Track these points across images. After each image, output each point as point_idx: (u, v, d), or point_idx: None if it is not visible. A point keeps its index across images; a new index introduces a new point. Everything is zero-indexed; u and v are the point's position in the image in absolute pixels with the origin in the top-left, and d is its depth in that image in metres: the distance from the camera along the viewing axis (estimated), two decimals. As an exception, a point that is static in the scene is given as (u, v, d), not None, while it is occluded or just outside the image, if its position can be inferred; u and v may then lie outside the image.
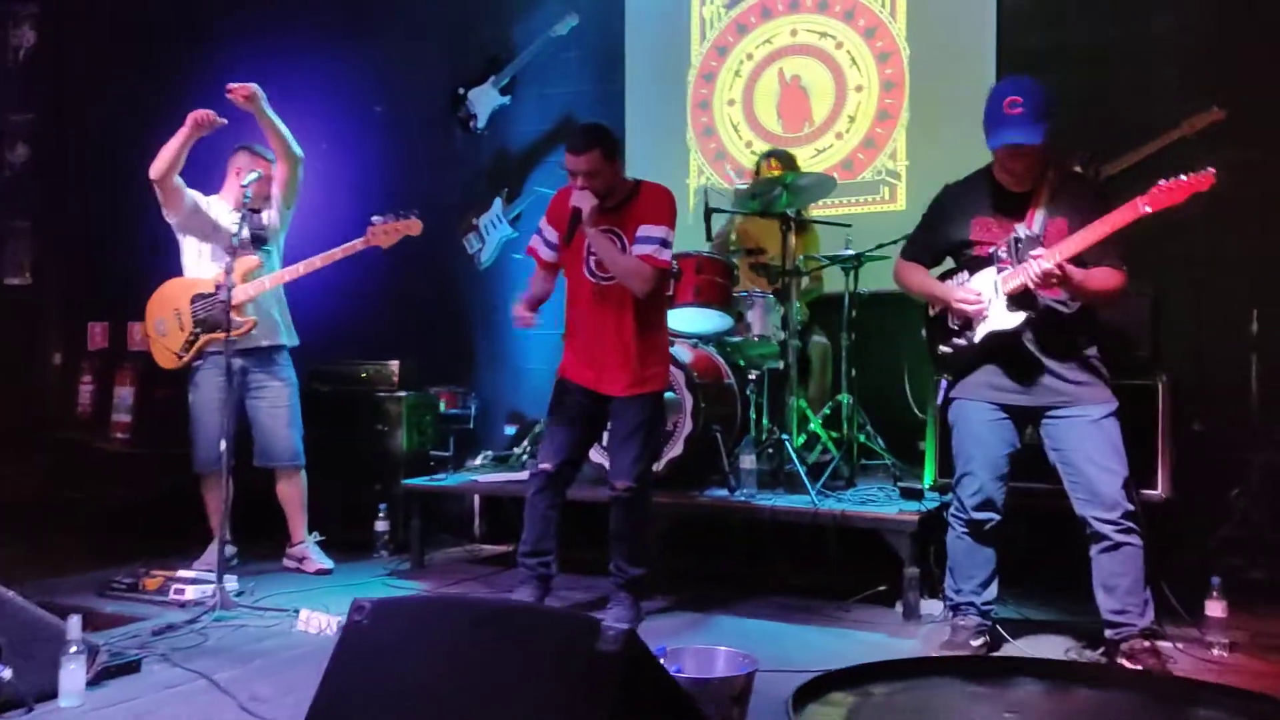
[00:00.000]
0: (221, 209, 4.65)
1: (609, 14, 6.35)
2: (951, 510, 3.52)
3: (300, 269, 4.53)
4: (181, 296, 4.60)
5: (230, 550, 4.70)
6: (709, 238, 4.70)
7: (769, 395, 4.86)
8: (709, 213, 4.66)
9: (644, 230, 3.70)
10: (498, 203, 6.61)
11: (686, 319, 4.64)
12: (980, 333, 3.35)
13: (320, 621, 3.63)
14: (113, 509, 5.73)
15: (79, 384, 7.05)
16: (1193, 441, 4.10)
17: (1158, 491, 3.80)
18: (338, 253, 4.49)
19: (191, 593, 3.99)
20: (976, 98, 5.24)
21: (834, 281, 5.13)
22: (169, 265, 5.26)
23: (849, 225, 4.70)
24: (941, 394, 3.57)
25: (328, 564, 4.65)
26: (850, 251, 4.70)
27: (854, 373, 4.69)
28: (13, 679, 2.69)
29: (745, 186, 5.01)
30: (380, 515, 5.02)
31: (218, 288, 4.09)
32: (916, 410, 4.12)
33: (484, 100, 6.63)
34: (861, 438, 4.70)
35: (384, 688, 1.89)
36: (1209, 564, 3.99)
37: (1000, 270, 3.31)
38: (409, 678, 1.88)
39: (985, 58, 5.35)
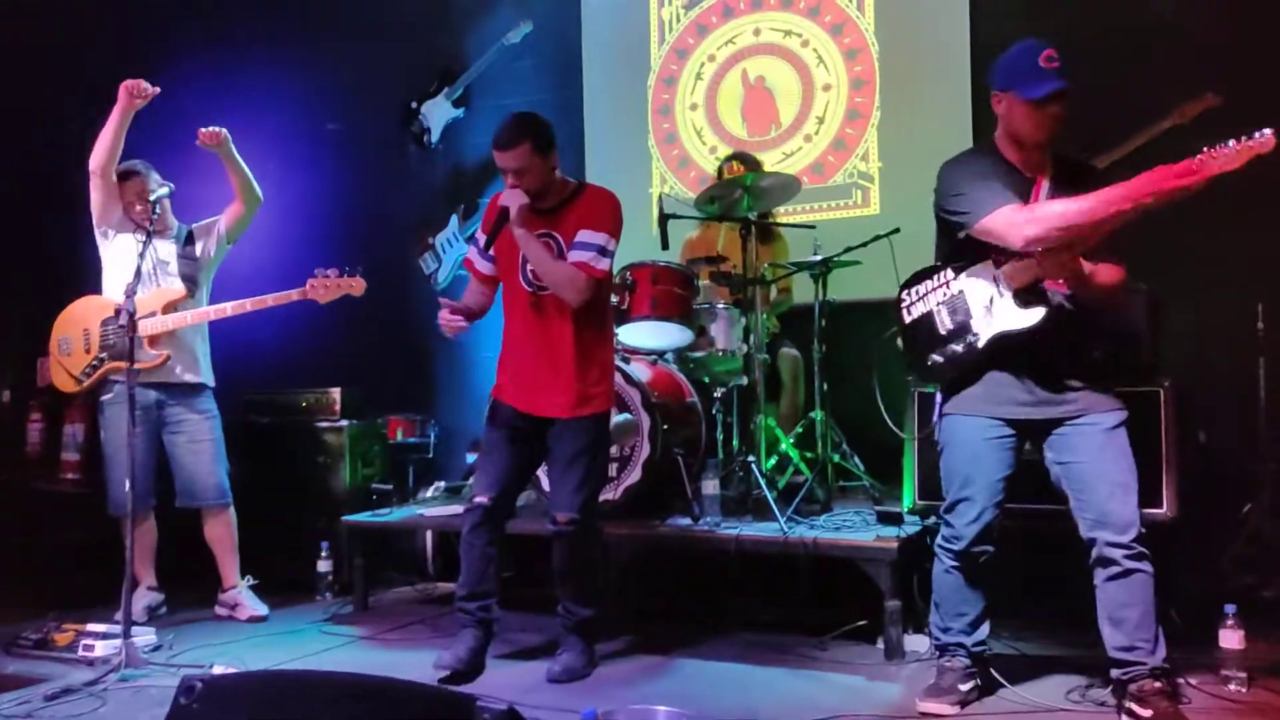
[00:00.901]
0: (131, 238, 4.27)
1: (564, 19, 6.07)
2: (940, 540, 3.14)
3: (229, 309, 4.24)
4: (93, 317, 4.27)
5: (156, 599, 4.37)
6: (664, 246, 4.36)
7: (737, 414, 4.51)
8: (664, 219, 4.31)
9: (582, 235, 3.37)
10: (454, 220, 6.32)
11: (643, 333, 4.30)
12: (986, 335, 2.96)
13: (233, 680, 3.25)
14: (60, 552, 5.38)
15: (28, 422, 6.73)
16: (1197, 453, 3.74)
17: (1163, 510, 3.43)
18: (269, 299, 4.20)
19: (101, 649, 3.62)
20: (951, 93, 5.10)
21: (805, 292, 4.80)
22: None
23: (813, 227, 4.35)
24: (936, 409, 3.16)
25: (261, 610, 4.28)
26: (818, 257, 4.36)
27: (826, 387, 4.34)
28: None
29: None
30: (323, 554, 4.64)
31: (118, 311, 3.73)
32: (894, 429, 3.75)
33: (437, 113, 6.35)
34: (836, 458, 4.34)
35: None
36: (1219, 587, 3.65)
37: (1000, 264, 2.94)
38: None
39: (959, 51, 5.07)
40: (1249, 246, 4.18)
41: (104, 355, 4.20)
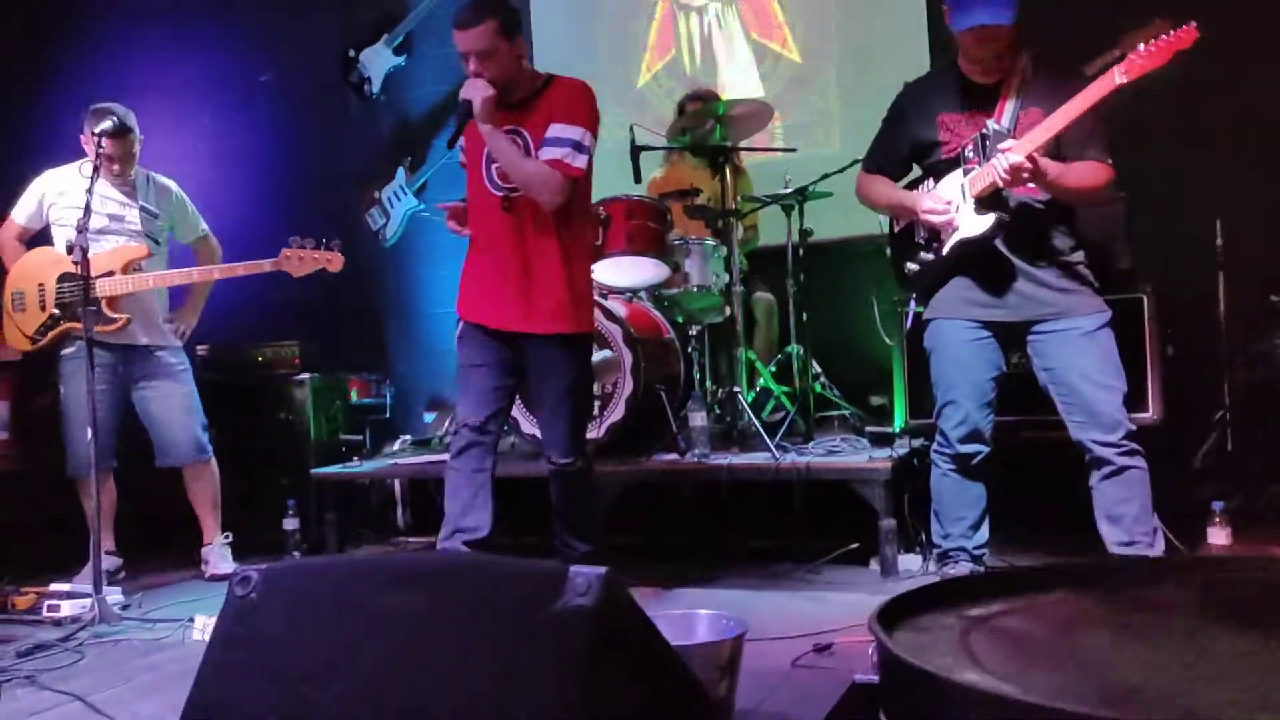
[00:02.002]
0: (73, 187, 3.99)
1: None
2: (935, 446, 3.15)
3: (195, 275, 4.07)
4: (49, 271, 3.99)
5: (114, 562, 4.15)
6: (636, 179, 4.27)
7: (712, 351, 4.47)
8: (635, 151, 4.23)
9: (555, 130, 3.04)
10: (400, 173, 6.11)
11: (619, 270, 4.22)
12: (950, 242, 2.97)
13: (220, 628, 3.11)
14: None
15: (-51, 403, 6.39)
16: (1167, 361, 3.79)
17: (1149, 414, 3.48)
18: (239, 268, 4.01)
19: (68, 608, 3.42)
20: (908, 29, 5.08)
21: (771, 231, 4.76)
22: None
23: (794, 150, 4.31)
24: (909, 320, 3.16)
25: (227, 568, 4.11)
26: (789, 190, 4.32)
27: (805, 318, 4.30)
28: None
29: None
30: (290, 512, 4.47)
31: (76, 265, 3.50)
32: (885, 338, 3.73)
33: (377, 62, 6.14)
34: (818, 388, 4.32)
35: (286, 677, 1.42)
36: (1192, 494, 3.73)
37: (967, 172, 2.95)
38: (320, 661, 1.42)
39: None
40: (1208, 162, 4.24)
41: (59, 315, 3.95)
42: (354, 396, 5.36)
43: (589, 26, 5.75)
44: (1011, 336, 3.03)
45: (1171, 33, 2.62)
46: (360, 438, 4.76)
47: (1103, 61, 4.36)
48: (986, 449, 3.08)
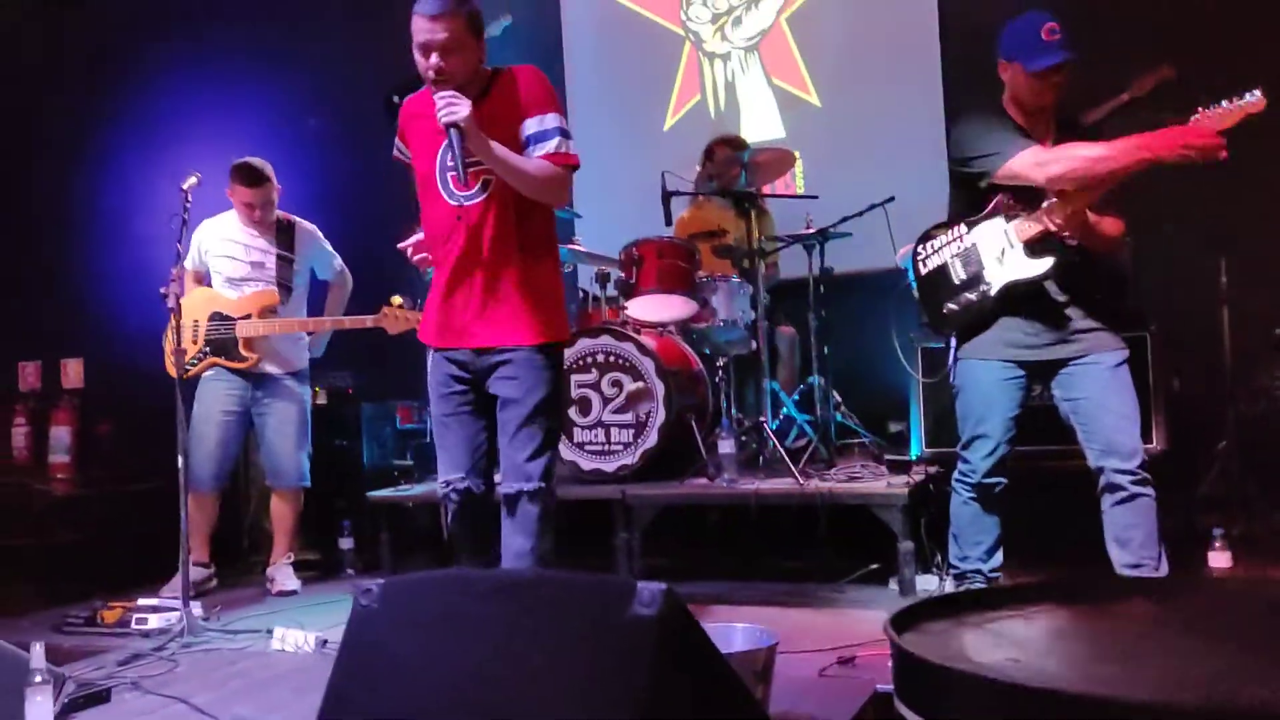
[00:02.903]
0: (222, 236, 4.52)
1: (545, 12, 6.26)
2: (957, 474, 3.40)
3: (310, 324, 4.51)
4: (203, 310, 4.47)
5: (202, 573, 4.48)
6: (668, 222, 4.60)
7: (736, 383, 4.76)
8: (667, 196, 4.55)
9: (534, 124, 2.87)
10: (442, 211, 6.43)
11: (651, 307, 4.53)
12: (998, 284, 3.21)
13: (297, 639, 3.42)
14: (58, 553, 5.44)
15: (11, 427, 6.74)
16: (1172, 395, 4.06)
17: (1154, 444, 3.76)
18: (346, 321, 4.47)
19: (155, 621, 3.75)
20: (922, 71, 5.35)
21: (790, 266, 5.06)
22: (107, 300, 5.04)
23: (815, 197, 4.60)
24: (951, 357, 3.41)
25: (292, 585, 4.45)
26: (810, 230, 4.62)
27: (827, 350, 4.60)
28: (-27, 715, 2.47)
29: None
30: (345, 532, 4.80)
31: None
32: (910, 371, 4.01)
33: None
34: (839, 417, 4.61)
35: (402, 672, 1.73)
36: (1195, 521, 3.98)
37: (1010, 218, 3.21)
38: (428, 660, 1.73)
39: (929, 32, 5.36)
40: (1211, 204, 4.50)
41: (207, 349, 4.41)
42: (398, 422, 5.69)
43: (619, 69, 6.09)
44: (1041, 372, 3.27)
45: (1247, 97, 2.81)
46: (410, 463, 5.07)
47: (1109, 106, 4.69)
48: (1005, 480, 3.34)
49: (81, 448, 6.26)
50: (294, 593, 4.41)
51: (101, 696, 2.90)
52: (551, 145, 2.86)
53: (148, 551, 4.51)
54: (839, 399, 4.72)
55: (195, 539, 4.38)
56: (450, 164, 2.82)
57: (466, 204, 2.89)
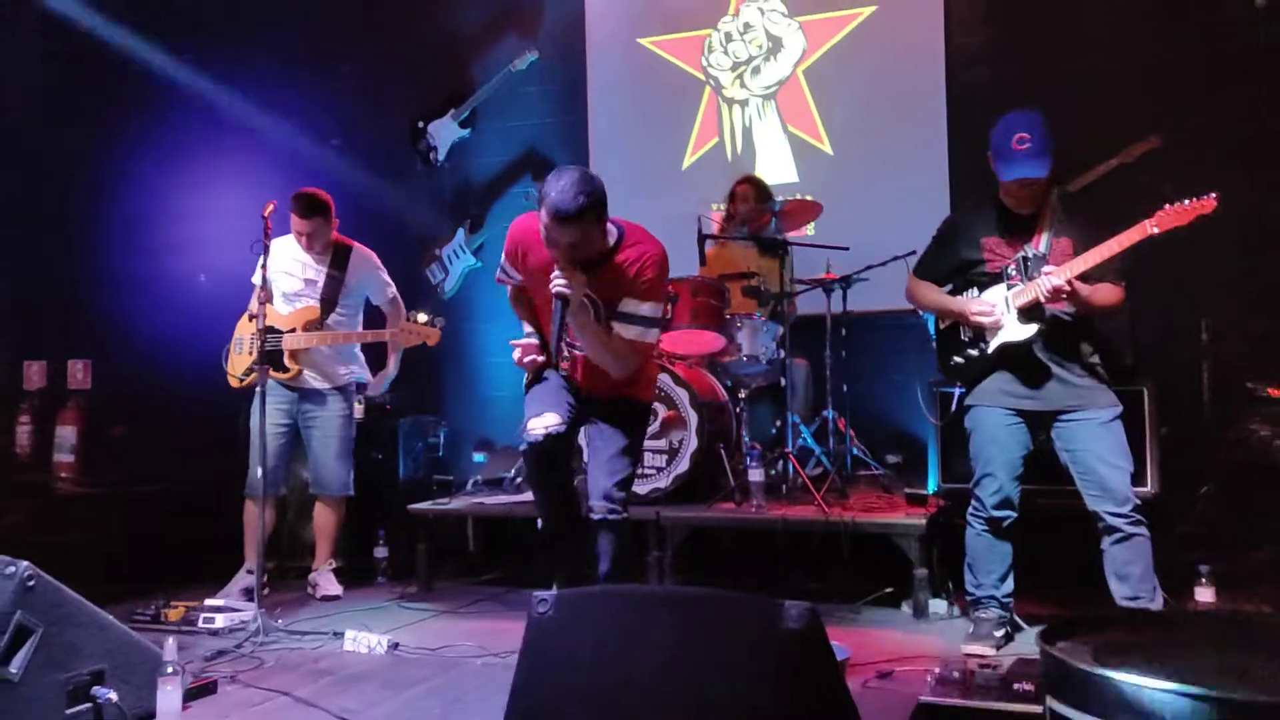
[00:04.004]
0: (286, 255, 4.74)
1: (569, 49, 6.56)
2: (971, 509, 3.78)
3: (341, 338, 4.73)
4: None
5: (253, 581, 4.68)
6: (703, 263, 4.93)
7: (756, 414, 5.09)
8: (702, 239, 4.88)
9: (631, 306, 3.22)
10: (460, 233, 6.71)
11: (683, 340, 4.84)
12: (994, 343, 3.63)
13: (369, 641, 3.67)
14: (68, 551, 5.58)
15: (16, 425, 6.85)
16: (1165, 442, 4.44)
17: (1149, 488, 4.15)
18: (369, 335, 4.78)
19: (221, 621, 3.97)
20: (930, 140, 5.73)
21: (807, 303, 5.39)
22: (104, 301, 5.23)
23: (846, 249, 4.96)
24: (955, 403, 3.80)
25: (335, 590, 4.69)
26: (836, 275, 4.97)
27: (845, 388, 4.94)
28: (119, 701, 2.70)
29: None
30: (380, 541, 5.04)
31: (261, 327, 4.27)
32: (929, 417, 4.39)
33: (444, 133, 6.74)
34: (855, 450, 4.96)
35: (577, 674, 2.02)
36: (1182, 556, 4.36)
37: (1010, 286, 3.60)
38: (601, 664, 2.01)
39: (936, 97, 5.74)
40: (1192, 268, 4.91)
41: (258, 363, 4.59)
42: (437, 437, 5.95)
43: (641, 109, 6.40)
44: (1040, 422, 3.67)
45: (1194, 200, 3.28)
46: (450, 478, 5.33)
47: (1098, 172, 5.10)
48: (1015, 514, 3.71)
49: (86, 448, 6.41)
50: (337, 598, 4.64)
51: (210, 688, 3.14)
52: (634, 332, 3.23)
53: (154, 553, 4.81)
54: (851, 433, 5.06)
55: (248, 545, 4.61)
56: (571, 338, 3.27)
57: (580, 354, 3.38)
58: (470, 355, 6.63)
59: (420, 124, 6.79)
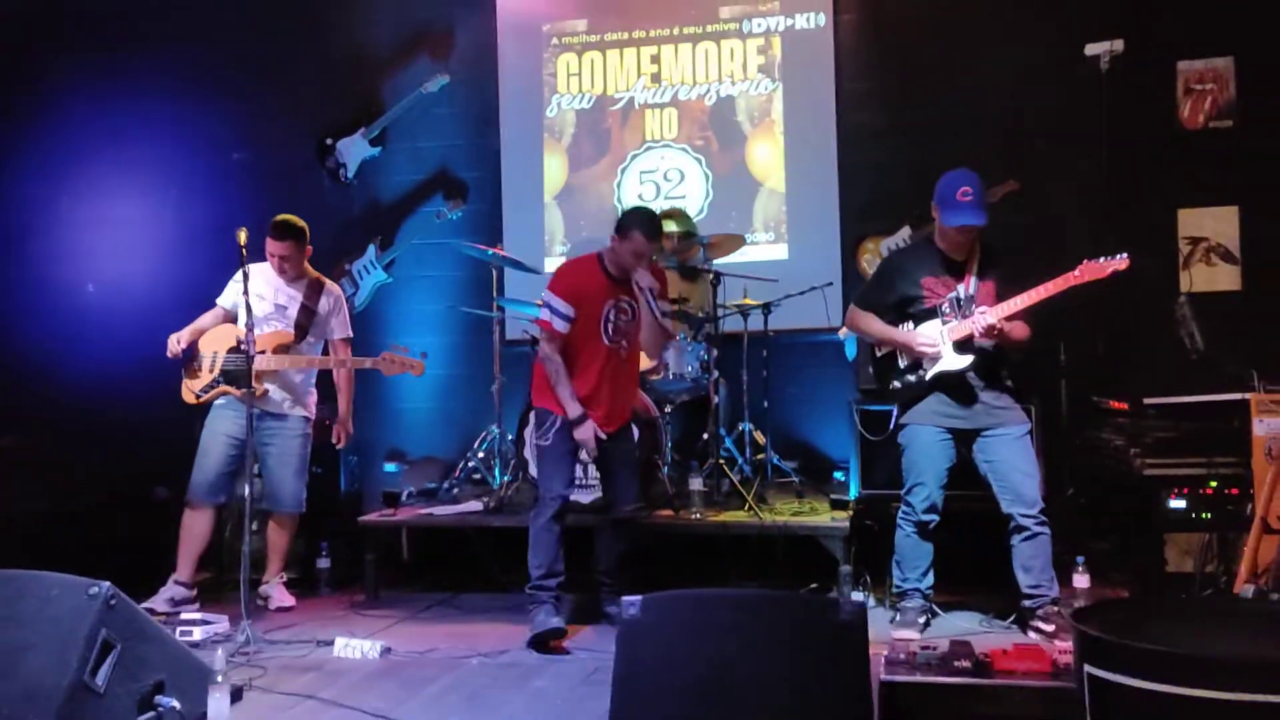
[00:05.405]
0: (259, 278, 4.78)
1: (481, 74, 6.80)
2: (901, 514, 4.31)
3: (303, 363, 4.89)
4: (224, 343, 4.81)
5: (184, 593, 4.74)
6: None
7: (680, 428, 5.52)
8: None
9: (660, 303, 4.29)
10: (371, 248, 6.84)
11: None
12: (932, 371, 4.16)
13: (362, 647, 3.88)
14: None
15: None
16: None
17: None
18: (350, 361, 4.98)
19: (199, 633, 4.08)
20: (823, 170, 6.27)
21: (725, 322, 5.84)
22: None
23: (776, 280, 5.44)
24: (892, 420, 4.34)
25: (288, 602, 4.83)
26: (757, 301, 5.46)
27: (766, 405, 5.43)
28: (180, 709, 2.86)
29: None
30: (323, 553, 5.20)
31: (238, 342, 4.29)
32: (866, 433, 4.90)
33: (353, 151, 6.87)
34: (776, 459, 5.45)
35: (670, 667, 2.37)
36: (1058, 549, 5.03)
37: (945, 322, 4.15)
38: (688, 658, 2.38)
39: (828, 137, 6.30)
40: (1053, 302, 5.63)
41: (219, 379, 4.72)
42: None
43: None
44: (964, 438, 4.23)
45: (1109, 259, 3.91)
46: (398, 490, 5.51)
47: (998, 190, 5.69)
48: (939, 518, 4.26)
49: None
50: (291, 608, 4.78)
51: (237, 694, 3.30)
52: (666, 322, 4.38)
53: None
54: (767, 442, 5.55)
55: (181, 556, 4.70)
56: (620, 321, 4.32)
57: (619, 349, 4.36)
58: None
59: (329, 141, 6.89)
